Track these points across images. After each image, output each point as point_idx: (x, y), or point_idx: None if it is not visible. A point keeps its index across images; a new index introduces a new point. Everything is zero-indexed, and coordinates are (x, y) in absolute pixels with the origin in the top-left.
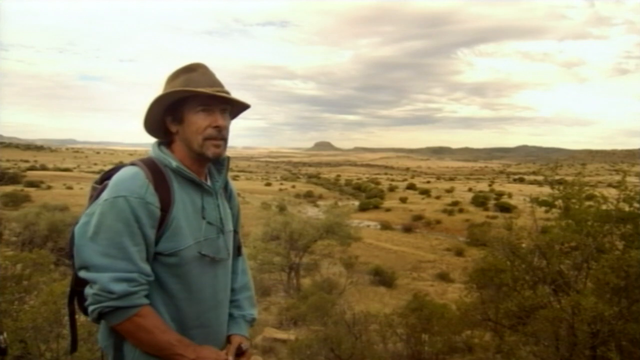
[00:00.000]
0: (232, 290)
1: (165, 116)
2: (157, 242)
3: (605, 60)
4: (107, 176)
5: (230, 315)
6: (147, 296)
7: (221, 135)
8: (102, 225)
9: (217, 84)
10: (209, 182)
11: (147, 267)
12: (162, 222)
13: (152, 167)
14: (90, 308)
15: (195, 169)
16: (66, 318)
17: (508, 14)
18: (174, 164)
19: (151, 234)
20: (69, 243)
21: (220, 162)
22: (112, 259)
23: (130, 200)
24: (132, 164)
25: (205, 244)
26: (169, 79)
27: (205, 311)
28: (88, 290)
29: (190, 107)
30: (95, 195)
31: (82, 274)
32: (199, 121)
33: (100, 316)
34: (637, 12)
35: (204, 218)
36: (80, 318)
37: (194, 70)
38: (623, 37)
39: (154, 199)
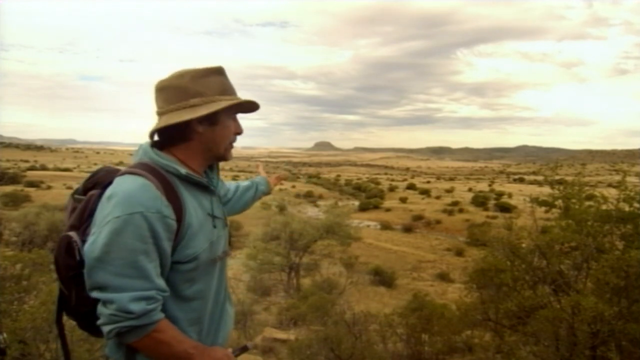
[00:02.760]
0: (246, 188)
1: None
2: (173, 251)
3: (604, 61)
4: (91, 185)
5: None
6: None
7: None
8: (116, 244)
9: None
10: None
11: (162, 283)
12: (178, 232)
13: (157, 176)
14: (107, 328)
15: (200, 170)
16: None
17: (507, 15)
18: (183, 171)
19: (168, 247)
20: (58, 255)
21: None
22: (129, 279)
23: (148, 215)
24: (134, 173)
25: (216, 243)
26: (198, 75)
27: (213, 308)
28: (103, 310)
29: (228, 111)
30: (82, 206)
31: (96, 294)
32: (231, 126)
33: (118, 335)
34: (635, 13)
35: (213, 216)
36: (70, 324)
37: (223, 75)
38: (621, 38)
39: (169, 212)
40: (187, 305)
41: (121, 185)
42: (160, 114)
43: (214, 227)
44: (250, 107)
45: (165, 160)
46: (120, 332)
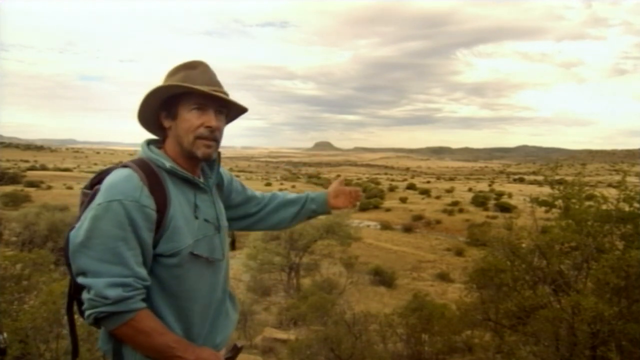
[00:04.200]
0: (286, 202)
1: (160, 111)
2: (156, 244)
3: (604, 61)
4: (97, 180)
5: (314, 200)
6: (144, 300)
7: (213, 136)
8: (96, 230)
9: (215, 83)
10: (201, 179)
11: (142, 272)
12: (160, 224)
13: (145, 169)
14: (86, 313)
15: (188, 167)
16: (66, 318)
17: (506, 15)
18: (168, 164)
19: (148, 237)
20: (64, 248)
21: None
22: (107, 264)
23: (125, 203)
24: (124, 165)
25: (202, 241)
26: (169, 74)
27: (204, 310)
28: (85, 295)
29: (185, 103)
30: (87, 200)
31: (80, 279)
32: (192, 119)
33: (97, 321)
34: (634, 13)
35: (197, 217)
36: (80, 320)
37: (194, 68)
38: (620, 38)
39: (149, 202)
40: (174, 302)
41: (110, 177)
42: None
43: (201, 225)
44: (238, 107)
45: (155, 154)
46: (97, 317)
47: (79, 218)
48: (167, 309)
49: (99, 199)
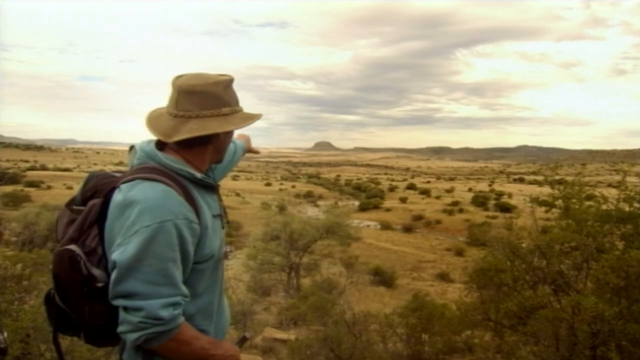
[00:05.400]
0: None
1: None
2: (194, 253)
3: (603, 61)
4: (89, 194)
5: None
6: None
7: None
8: (148, 252)
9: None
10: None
11: (185, 289)
12: (199, 235)
13: (174, 181)
14: (134, 335)
15: (203, 169)
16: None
17: (505, 15)
18: (199, 175)
19: (192, 250)
20: (60, 271)
21: None
22: (158, 286)
23: (178, 223)
24: (150, 179)
25: (222, 241)
26: (226, 85)
27: (213, 304)
28: (128, 318)
29: None
30: (82, 218)
31: (121, 302)
32: (233, 132)
33: (145, 342)
34: (633, 14)
35: (214, 216)
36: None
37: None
38: (619, 38)
39: (194, 216)
40: (199, 302)
41: (142, 192)
42: (187, 117)
43: (222, 227)
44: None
45: (177, 164)
46: (147, 338)
47: (70, 239)
48: (195, 309)
49: (144, 220)
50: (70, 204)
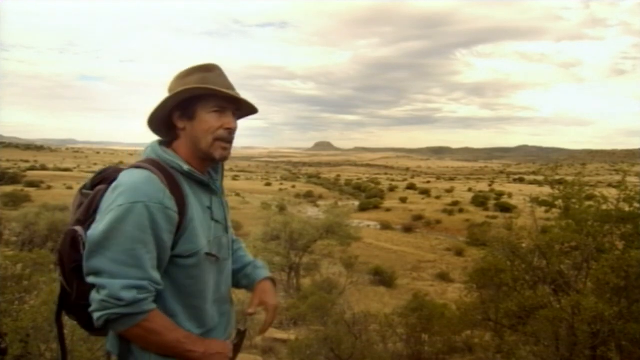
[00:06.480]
0: (242, 268)
1: (173, 111)
2: (174, 245)
3: (602, 61)
4: (99, 181)
5: (247, 276)
6: (155, 300)
7: (231, 138)
8: (117, 231)
9: (232, 87)
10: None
11: (157, 275)
12: (180, 226)
13: (162, 170)
14: (97, 315)
15: (200, 168)
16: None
17: (505, 15)
18: (185, 167)
19: (168, 239)
20: (62, 249)
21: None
22: (124, 266)
23: (150, 206)
24: (140, 167)
25: (214, 242)
26: (181, 75)
27: (212, 306)
28: (95, 296)
29: (204, 105)
30: (88, 201)
31: (91, 279)
32: (211, 121)
33: (107, 323)
34: (632, 14)
35: (212, 218)
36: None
37: (210, 71)
38: (619, 39)
39: (171, 204)
40: (187, 301)
41: (127, 177)
42: None
43: (213, 226)
44: (248, 109)
45: (170, 156)
46: (109, 319)
47: (77, 220)
48: (180, 308)
49: (119, 199)
50: (82, 188)
